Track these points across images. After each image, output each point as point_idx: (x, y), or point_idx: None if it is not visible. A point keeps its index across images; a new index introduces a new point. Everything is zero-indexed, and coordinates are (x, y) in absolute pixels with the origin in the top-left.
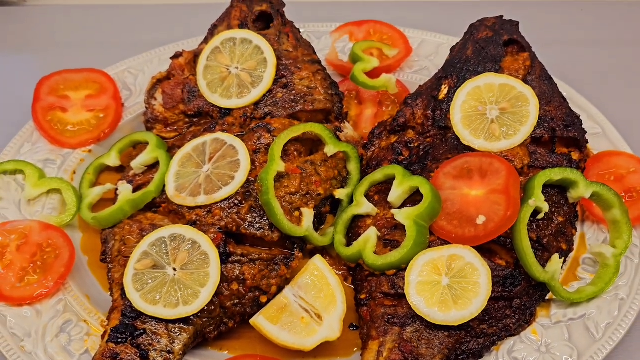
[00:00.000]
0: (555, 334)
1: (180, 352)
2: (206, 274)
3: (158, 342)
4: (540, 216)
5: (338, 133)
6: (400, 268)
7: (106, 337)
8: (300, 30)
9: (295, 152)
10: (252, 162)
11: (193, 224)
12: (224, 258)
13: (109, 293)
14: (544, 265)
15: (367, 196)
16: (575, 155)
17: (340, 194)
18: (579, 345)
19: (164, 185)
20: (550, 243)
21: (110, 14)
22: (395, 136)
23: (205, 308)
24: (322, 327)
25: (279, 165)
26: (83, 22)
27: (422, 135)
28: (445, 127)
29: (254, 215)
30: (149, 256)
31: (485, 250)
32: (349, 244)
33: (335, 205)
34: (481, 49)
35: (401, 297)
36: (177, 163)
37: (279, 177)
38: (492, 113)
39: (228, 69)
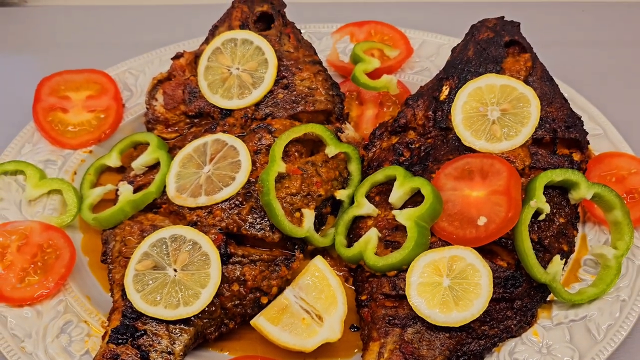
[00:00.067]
0: (557, 336)
1: (181, 353)
2: (207, 274)
3: (159, 343)
4: (542, 217)
5: (339, 134)
6: (401, 269)
7: (107, 338)
8: (301, 31)
9: (296, 153)
10: (253, 162)
11: (194, 224)
12: (225, 259)
13: (110, 294)
14: (545, 267)
15: (368, 197)
16: (576, 157)
17: (341, 194)
18: (580, 346)
19: (165, 186)
20: (551, 244)
21: (111, 15)
22: (396, 137)
23: (206, 309)
24: (323, 328)
25: (280, 166)
26: (84, 23)
27: (423, 136)
28: (446, 128)
29: (255, 216)
30: (150, 257)
31: (486, 251)
32: (349, 244)
33: (336, 206)
34: (482, 49)
35: (402, 298)
36: (177, 164)
37: (280, 177)
38: (493, 114)
39: (229, 70)
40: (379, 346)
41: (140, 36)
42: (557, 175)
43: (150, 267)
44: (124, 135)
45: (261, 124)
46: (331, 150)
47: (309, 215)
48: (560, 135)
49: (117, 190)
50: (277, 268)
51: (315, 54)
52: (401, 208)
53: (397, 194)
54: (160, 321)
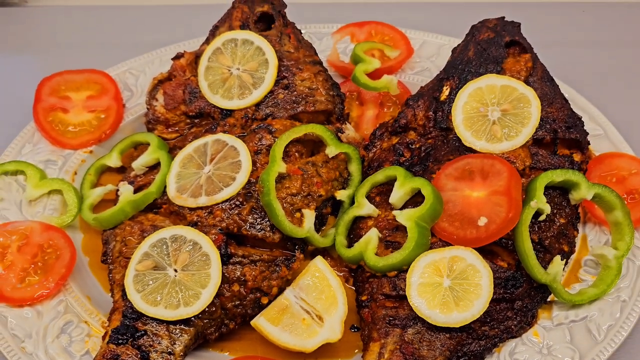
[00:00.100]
0: (557, 336)
1: (181, 353)
2: (207, 275)
3: (159, 343)
4: (542, 218)
5: (339, 134)
6: (402, 269)
7: (107, 338)
8: (302, 31)
9: (296, 153)
10: (254, 163)
11: (194, 225)
12: (225, 259)
13: (110, 294)
14: (545, 267)
15: (369, 197)
16: (577, 157)
17: (342, 195)
18: (580, 347)
19: (165, 186)
20: (551, 245)
21: (111, 15)
22: (397, 137)
23: (206, 309)
24: (323, 328)
25: (280, 166)
26: (84, 23)
27: (423, 137)
28: (446, 129)
29: (255, 216)
30: (150, 257)
31: (486, 251)
32: (350, 245)
33: (336, 207)
34: (483, 50)
35: (402, 298)
36: (178, 164)
37: (280, 178)
38: (493, 114)
39: (229, 70)
40: (379, 347)
41: (141, 36)
42: (557, 176)
43: (150, 267)
44: (125, 135)
45: (261, 124)
46: (331, 150)
47: (310, 215)
48: (561, 136)
49: (118, 190)
50: (277, 268)
51: (316, 54)
52: (401, 208)
53: (398, 195)
54: (160, 321)
